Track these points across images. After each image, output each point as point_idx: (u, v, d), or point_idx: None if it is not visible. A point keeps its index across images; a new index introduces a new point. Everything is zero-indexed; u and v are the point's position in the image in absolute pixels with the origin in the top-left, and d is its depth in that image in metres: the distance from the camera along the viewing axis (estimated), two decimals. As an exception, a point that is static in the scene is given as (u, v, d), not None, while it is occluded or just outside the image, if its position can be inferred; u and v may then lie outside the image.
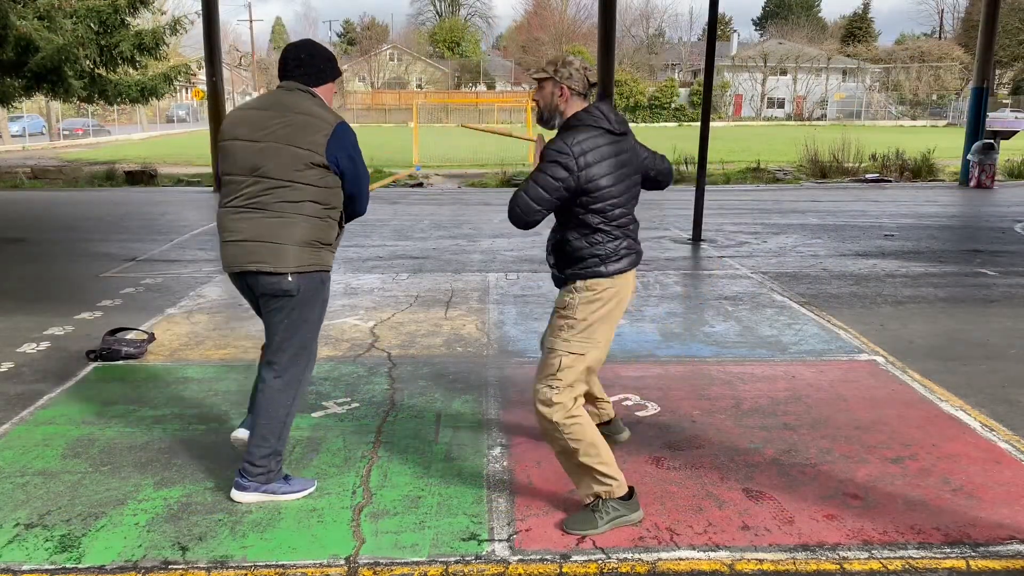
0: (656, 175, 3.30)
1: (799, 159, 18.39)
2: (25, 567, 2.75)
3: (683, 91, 56.37)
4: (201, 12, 14.28)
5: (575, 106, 2.98)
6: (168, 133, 41.38)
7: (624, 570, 2.72)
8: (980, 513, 3.09)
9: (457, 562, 2.77)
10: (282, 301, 3.04)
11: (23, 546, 2.87)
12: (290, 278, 2.99)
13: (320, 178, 2.99)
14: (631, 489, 3.03)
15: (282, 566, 2.75)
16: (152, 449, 3.66)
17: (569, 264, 3.02)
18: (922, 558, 2.80)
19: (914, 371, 4.73)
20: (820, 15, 76.86)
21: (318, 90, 3.12)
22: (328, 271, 3.16)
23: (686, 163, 16.88)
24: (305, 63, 3.10)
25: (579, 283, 2.98)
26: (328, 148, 2.97)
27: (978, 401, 4.26)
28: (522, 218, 2.92)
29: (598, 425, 3.46)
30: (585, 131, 2.91)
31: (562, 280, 3.08)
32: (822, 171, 17.12)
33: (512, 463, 3.51)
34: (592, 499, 2.98)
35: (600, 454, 2.94)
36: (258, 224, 2.98)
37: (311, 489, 3.25)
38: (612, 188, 2.93)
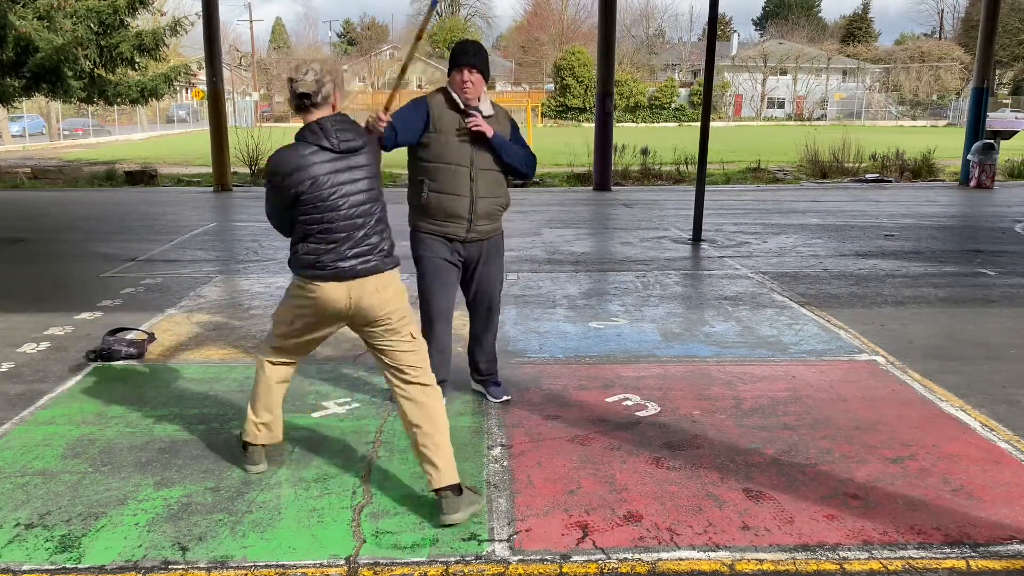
0: None
1: (799, 159, 18.39)
2: (25, 567, 2.75)
3: (683, 91, 56.32)
4: (201, 12, 14.29)
5: None
6: (168, 133, 41.38)
7: (624, 570, 2.72)
8: (980, 513, 3.09)
9: (457, 562, 2.77)
10: None
11: (23, 546, 2.87)
12: None
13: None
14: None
15: (282, 566, 2.75)
16: (152, 449, 3.66)
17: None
18: (922, 558, 2.80)
19: (914, 371, 4.73)
20: (820, 15, 76.81)
21: None
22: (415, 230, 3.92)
23: (686, 163, 16.90)
24: None
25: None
26: None
27: (978, 401, 4.26)
28: None
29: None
30: None
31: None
32: (822, 171, 17.12)
33: (512, 463, 3.51)
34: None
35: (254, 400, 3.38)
36: None
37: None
38: None
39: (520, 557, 2.79)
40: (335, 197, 2.97)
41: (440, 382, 4.02)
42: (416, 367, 3.13)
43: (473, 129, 3.69)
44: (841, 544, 2.88)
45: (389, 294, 3.06)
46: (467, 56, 3.70)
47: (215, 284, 7.03)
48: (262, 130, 18.19)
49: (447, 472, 3.01)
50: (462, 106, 3.72)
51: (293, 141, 3.01)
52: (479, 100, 3.78)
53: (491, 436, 3.80)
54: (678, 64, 65.39)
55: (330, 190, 2.96)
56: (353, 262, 3.00)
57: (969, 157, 15.13)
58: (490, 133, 3.74)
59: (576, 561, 2.77)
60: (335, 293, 3.01)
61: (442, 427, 3.08)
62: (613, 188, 15.06)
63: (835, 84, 59.93)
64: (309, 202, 2.96)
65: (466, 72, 3.68)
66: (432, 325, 3.94)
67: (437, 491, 3.00)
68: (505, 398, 4.20)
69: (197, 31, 15.00)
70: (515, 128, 3.95)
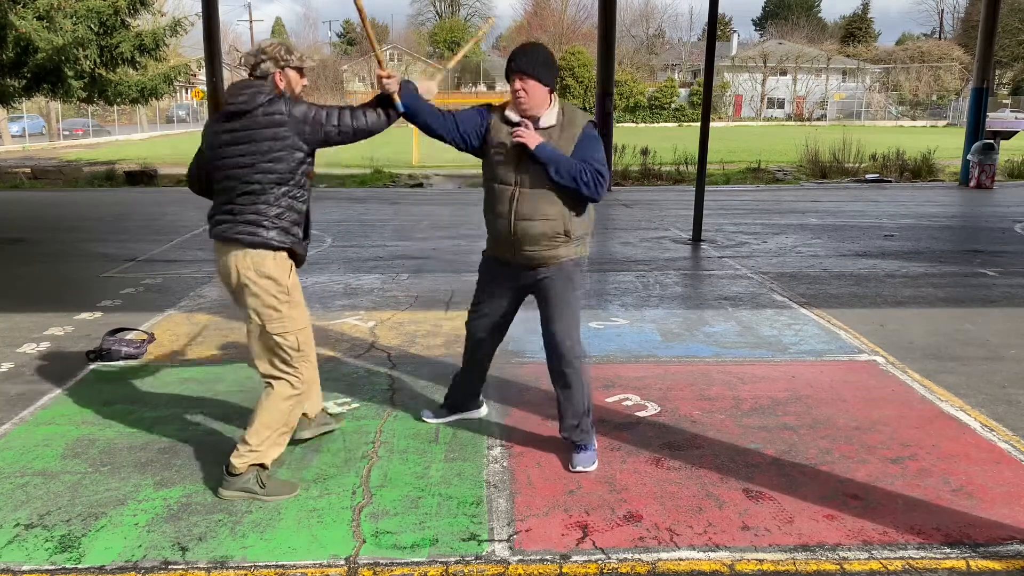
0: None
1: (799, 159, 18.39)
2: (25, 567, 2.75)
3: (683, 91, 56.31)
4: (201, 13, 14.29)
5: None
6: (168, 133, 41.37)
7: (624, 570, 2.72)
8: (980, 513, 3.09)
9: (457, 562, 2.77)
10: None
11: (23, 546, 2.87)
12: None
13: None
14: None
15: (282, 566, 2.75)
16: (152, 449, 3.66)
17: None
18: (922, 558, 2.80)
19: (914, 371, 4.73)
20: (820, 15, 76.85)
21: None
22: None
23: (686, 163, 16.90)
24: None
25: None
26: None
27: (978, 401, 4.26)
28: None
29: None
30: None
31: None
32: (822, 171, 17.12)
33: (512, 463, 3.51)
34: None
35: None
36: None
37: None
38: None
39: (520, 557, 2.79)
40: (216, 159, 3.13)
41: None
42: (259, 360, 3.25)
43: (514, 139, 3.22)
44: (841, 544, 2.88)
45: (231, 264, 3.12)
46: (515, 61, 3.23)
47: (215, 284, 7.02)
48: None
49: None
50: (514, 118, 3.29)
51: None
52: (545, 109, 3.28)
53: (491, 436, 3.80)
54: (678, 64, 65.37)
55: (215, 151, 3.13)
56: (212, 223, 3.19)
57: (969, 157, 15.12)
58: (532, 143, 3.19)
59: (576, 561, 2.77)
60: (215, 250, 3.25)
61: (260, 417, 3.24)
62: (613, 188, 15.06)
63: (835, 84, 59.92)
64: (207, 159, 3.18)
65: (517, 80, 3.21)
66: (467, 325, 3.77)
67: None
68: (580, 468, 3.42)
69: (197, 31, 15.00)
70: (586, 138, 3.29)
